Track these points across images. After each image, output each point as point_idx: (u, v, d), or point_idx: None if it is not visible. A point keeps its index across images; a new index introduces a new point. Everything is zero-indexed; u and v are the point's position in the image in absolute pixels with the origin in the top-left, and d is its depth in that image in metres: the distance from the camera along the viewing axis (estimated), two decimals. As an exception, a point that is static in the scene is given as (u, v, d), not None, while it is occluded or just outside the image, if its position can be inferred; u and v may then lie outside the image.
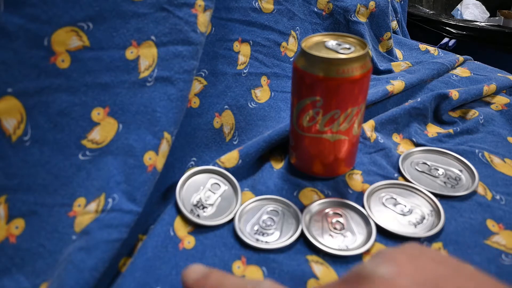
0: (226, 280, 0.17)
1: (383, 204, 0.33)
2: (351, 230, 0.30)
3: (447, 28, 0.81)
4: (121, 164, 0.30)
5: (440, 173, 0.36)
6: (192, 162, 0.37)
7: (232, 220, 0.32)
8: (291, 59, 0.50)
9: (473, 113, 0.46)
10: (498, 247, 0.29)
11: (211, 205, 0.32)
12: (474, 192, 0.34)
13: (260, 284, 0.17)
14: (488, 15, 1.14)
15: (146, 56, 0.32)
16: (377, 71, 0.56)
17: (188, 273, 0.18)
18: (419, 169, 0.37)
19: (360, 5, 0.56)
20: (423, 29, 0.86)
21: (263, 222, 0.31)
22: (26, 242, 0.27)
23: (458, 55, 0.60)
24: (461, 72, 0.55)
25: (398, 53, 0.64)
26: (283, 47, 0.48)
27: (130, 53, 0.31)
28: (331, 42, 0.30)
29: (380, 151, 0.39)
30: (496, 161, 0.38)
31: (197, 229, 0.31)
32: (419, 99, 0.45)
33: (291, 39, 0.50)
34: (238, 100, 0.42)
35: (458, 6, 1.16)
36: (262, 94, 0.45)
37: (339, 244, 0.29)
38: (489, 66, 0.58)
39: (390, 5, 0.60)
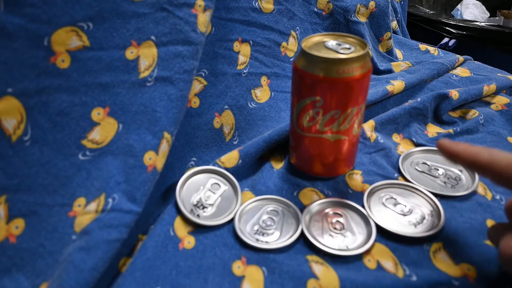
0: (469, 145, 0.24)
1: (383, 204, 0.33)
2: (351, 230, 0.30)
3: (447, 28, 0.81)
4: (121, 164, 0.30)
5: (440, 173, 0.36)
6: (192, 162, 0.37)
7: (232, 220, 0.32)
8: (291, 59, 0.50)
9: (473, 113, 0.46)
10: (498, 247, 0.29)
11: (211, 205, 0.32)
12: (474, 192, 0.34)
13: (501, 152, 0.23)
14: (488, 15, 1.14)
15: (146, 56, 0.32)
16: (377, 71, 0.56)
17: (442, 139, 0.26)
18: (419, 169, 0.37)
19: (360, 5, 0.56)
20: (423, 29, 0.86)
21: (263, 222, 0.31)
22: (26, 242, 0.27)
23: (458, 55, 0.60)
24: (461, 72, 0.55)
25: (398, 53, 0.64)
26: (283, 47, 0.48)
27: (130, 53, 0.31)
28: (331, 42, 0.30)
29: (380, 151, 0.39)
30: (496, 161, 0.38)
31: (197, 229, 0.31)
32: (419, 99, 0.45)
33: (291, 39, 0.50)
34: (238, 100, 0.42)
35: (458, 6, 1.16)
36: (262, 94, 0.45)
37: (339, 244, 0.29)
38: (489, 66, 0.58)
39: (390, 5, 0.60)
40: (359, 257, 0.29)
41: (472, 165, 0.23)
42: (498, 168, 0.21)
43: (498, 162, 0.21)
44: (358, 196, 0.34)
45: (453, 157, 0.24)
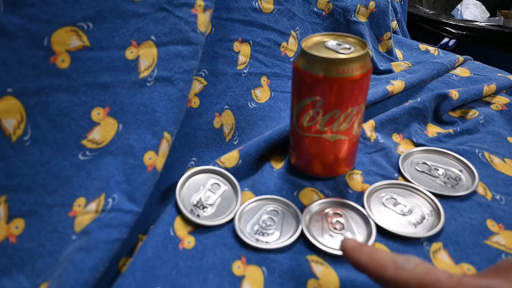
0: (377, 251, 0.20)
1: (383, 204, 0.33)
2: (351, 230, 0.30)
3: (447, 28, 0.81)
4: (121, 164, 0.30)
5: (440, 173, 0.36)
6: (192, 162, 0.37)
7: (232, 220, 0.32)
8: (291, 59, 0.50)
9: (473, 113, 0.46)
10: (498, 247, 0.29)
11: (211, 205, 0.32)
12: (474, 192, 0.34)
13: (410, 259, 0.19)
14: (488, 15, 1.14)
15: (146, 56, 0.32)
16: (377, 71, 0.56)
17: (346, 241, 0.22)
18: (419, 169, 0.37)
19: (360, 5, 0.56)
20: (423, 29, 0.86)
21: (263, 222, 0.31)
22: (26, 242, 0.27)
23: (458, 55, 0.60)
24: (461, 72, 0.55)
25: (398, 53, 0.64)
26: (283, 47, 0.48)
27: (130, 53, 0.31)
28: (331, 42, 0.30)
29: (380, 151, 0.39)
30: (496, 161, 0.38)
31: (197, 229, 0.31)
32: (419, 99, 0.45)
33: (291, 39, 0.50)
34: (238, 100, 0.42)
35: (458, 6, 1.16)
36: (262, 94, 0.45)
37: (339, 244, 0.29)
38: (489, 66, 0.58)
39: (390, 5, 0.60)
40: (359, 257, 0.28)
41: (377, 281, 0.20)
42: None
43: (406, 281, 0.18)
44: (358, 196, 0.34)
45: (357, 268, 0.21)
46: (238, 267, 0.28)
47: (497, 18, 1.13)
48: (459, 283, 0.17)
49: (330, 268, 0.28)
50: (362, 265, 0.20)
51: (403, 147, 0.41)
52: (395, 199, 0.33)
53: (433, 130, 0.45)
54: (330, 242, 0.29)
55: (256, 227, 0.31)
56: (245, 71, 0.43)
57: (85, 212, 0.28)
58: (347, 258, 0.21)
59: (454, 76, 0.54)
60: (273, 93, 0.46)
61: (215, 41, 0.40)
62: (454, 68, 0.56)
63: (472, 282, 0.17)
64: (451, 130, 0.43)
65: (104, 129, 0.30)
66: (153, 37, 0.32)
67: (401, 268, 0.19)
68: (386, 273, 0.19)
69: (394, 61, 0.60)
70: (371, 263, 0.20)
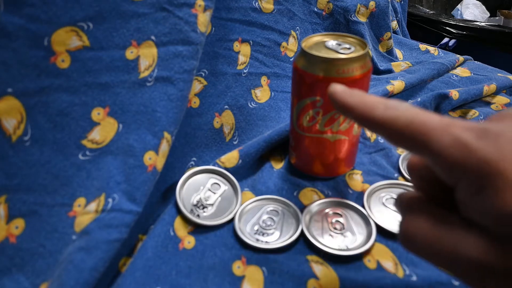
0: (368, 95, 0.19)
1: (383, 204, 0.33)
2: (351, 230, 0.30)
3: (447, 28, 0.81)
4: (121, 164, 0.30)
5: (440, 173, 0.36)
6: (192, 162, 0.37)
7: (232, 220, 0.32)
8: (291, 59, 0.50)
9: (473, 113, 0.46)
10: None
11: (211, 205, 0.32)
12: (474, 192, 0.34)
13: (403, 103, 0.18)
14: (488, 15, 1.14)
15: (146, 56, 0.32)
16: (377, 71, 0.56)
17: (335, 84, 0.21)
18: (419, 169, 0.37)
19: (360, 5, 0.56)
20: (423, 29, 0.86)
21: (263, 222, 0.31)
22: (26, 242, 0.27)
23: (458, 55, 0.60)
24: (461, 72, 0.55)
25: (398, 53, 0.64)
26: (283, 47, 0.48)
27: (130, 53, 0.31)
28: (331, 42, 0.30)
29: (380, 151, 0.39)
30: (496, 161, 0.38)
31: (197, 229, 0.31)
32: (419, 99, 0.45)
33: (291, 39, 0.50)
34: (238, 100, 0.42)
35: (458, 6, 1.16)
36: (262, 94, 0.45)
37: (339, 244, 0.29)
38: (489, 66, 0.58)
39: (390, 5, 0.60)
40: (359, 257, 0.29)
41: (365, 122, 0.18)
42: (395, 128, 0.17)
43: (396, 120, 0.17)
44: (358, 196, 0.34)
45: (346, 111, 0.19)
46: (238, 267, 0.28)
47: (497, 18, 1.13)
48: (450, 123, 0.16)
49: (330, 268, 0.28)
50: (351, 107, 0.19)
51: (403, 147, 0.41)
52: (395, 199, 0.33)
53: (433, 130, 0.45)
54: (330, 242, 0.29)
55: (256, 227, 0.31)
56: (245, 71, 0.43)
57: (85, 212, 0.28)
58: (335, 101, 0.20)
59: (454, 76, 0.54)
60: (273, 93, 0.46)
61: (215, 41, 0.40)
62: (454, 68, 0.56)
63: (464, 123, 0.16)
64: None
65: (104, 129, 0.30)
66: (153, 37, 0.32)
67: (392, 108, 0.17)
68: (374, 113, 0.18)
69: (394, 61, 0.60)
70: (360, 104, 0.19)
